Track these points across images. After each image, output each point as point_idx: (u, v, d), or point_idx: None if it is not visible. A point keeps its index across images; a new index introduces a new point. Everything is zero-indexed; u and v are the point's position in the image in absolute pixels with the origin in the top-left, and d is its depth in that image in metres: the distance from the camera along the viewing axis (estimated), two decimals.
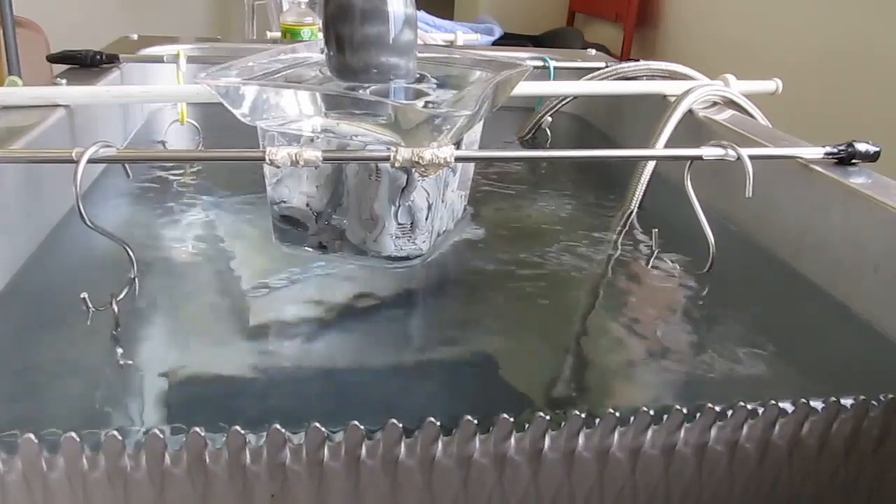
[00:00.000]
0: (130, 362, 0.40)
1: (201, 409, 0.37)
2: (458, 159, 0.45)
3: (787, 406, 0.36)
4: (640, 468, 0.36)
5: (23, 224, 0.51)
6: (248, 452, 0.32)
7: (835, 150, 0.54)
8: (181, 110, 0.77)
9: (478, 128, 0.55)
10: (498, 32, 1.89)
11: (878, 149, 0.54)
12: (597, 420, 0.34)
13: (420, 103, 0.46)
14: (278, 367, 0.41)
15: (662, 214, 0.64)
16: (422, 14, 1.56)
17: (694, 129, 0.69)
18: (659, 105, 0.71)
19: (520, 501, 0.36)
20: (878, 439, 0.38)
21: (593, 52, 1.05)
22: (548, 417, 0.34)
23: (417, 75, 0.50)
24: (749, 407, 0.36)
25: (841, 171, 0.53)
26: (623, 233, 0.61)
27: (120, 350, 0.41)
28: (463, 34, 1.23)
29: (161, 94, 0.72)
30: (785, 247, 0.56)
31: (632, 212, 0.64)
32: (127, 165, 0.48)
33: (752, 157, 0.49)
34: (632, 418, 0.35)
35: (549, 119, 0.87)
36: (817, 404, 0.37)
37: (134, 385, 0.38)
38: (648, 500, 0.37)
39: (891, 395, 0.37)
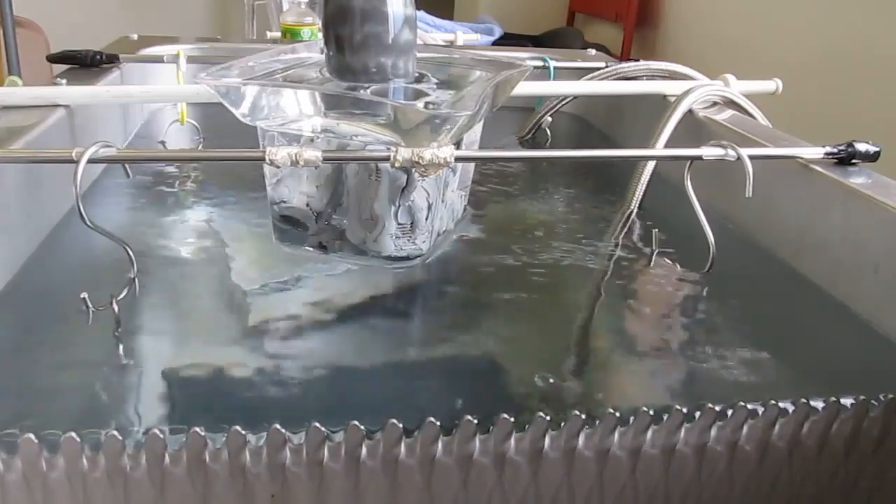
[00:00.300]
0: (130, 362, 0.40)
1: (201, 409, 0.37)
2: (458, 159, 0.45)
3: (787, 406, 0.36)
4: (640, 468, 0.36)
5: (23, 224, 0.51)
6: (248, 452, 0.32)
7: (835, 150, 0.54)
8: (181, 110, 0.77)
9: (478, 128, 0.55)
10: (498, 32, 1.89)
11: (878, 149, 0.54)
12: (597, 420, 0.34)
13: (420, 103, 0.46)
14: (278, 367, 0.41)
15: (662, 214, 0.64)
16: (422, 14, 1.56)
17: (694, 129, 0.69)
18: (659, 105, 0.71)
19: (520, 501, 0.36)
20: (878, 439, 0.38)
21: (593, 52, 1.05)
22: (548, 417, 0.34)
23: (417, 75, 0.50)
24: (749, 407, 0.36)
25: (841, 171, 0.53)
26: (623, 233, 0.61)
27: (120, 350, 0.41)
28: (463, 34, 1.23)
29: (161, 94, 0.72)
30: (785, 247, 0.56)
31: (632, 212, 0.64)
32: (127, 165, 0.48)
33: (752, 157, 0.49)
34: (632, 418, 0.35)
35: (549, 119, 0.87)
36: (817, 404, 0.37)
37: (134, 385, 0.38)
38: (648, 500, 0.37)
39: (891, 395, 0.37)
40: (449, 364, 0.43)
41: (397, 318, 0.48)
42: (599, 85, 0.80)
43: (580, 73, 0.85)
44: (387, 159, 0.44)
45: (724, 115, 0.69)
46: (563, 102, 0.87)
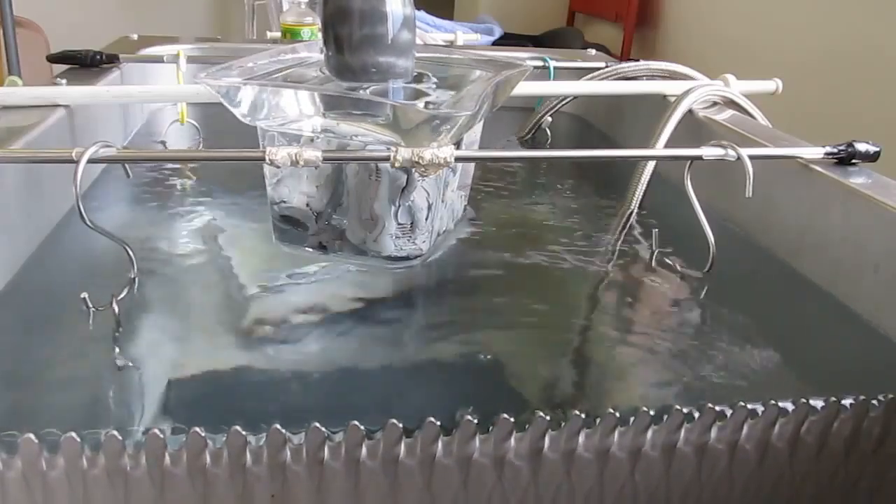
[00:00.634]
0: (130, 362, 0.40)
1: (201, 409, 0.37)
2: (458, 159, 0.45)
3: (787, 406, 0.36)
4: (640, 468, 0.36)
5: (23, 224, 0.51)
6: (248, 452, 0.32)
7: (835, 150, 0.54)
8: (181, 110, 0.77)
9: (478, 128, 0.55)
10: (498, 32, 1.89)
11: (878, 149, 0.54)
12: (597, 420, 0.34)
13: (420, 103, 0.46)
14: (278, 367, 0.41)
15: (662, 214, 0.64)
16: (422, 14, 1.56)
17: (694, 129, 0.69)
18: (659, 105, 0.71)
19: (520, 501, 0.36)
20: (878, 439, 0.38)
21: (593, 52, 1.05)
22: (548, 417, 0.34)
23: (416, 74, 0.50)
24: (749, 407, 0.36)
25: (841, 171, 0.53)
26: (623, 233, 0.61)
27: (120, 350, 0.41)
28: (463, 34, 1.23)
29: (161, 94, 0.72)
30: (785, 247, 0.56)
31: (632, 212, 0.64)
32: (127, 165, 0.48)
33: (752, 157, 0.49)
34: (632, 418, 0.35)
35: (549, 119, 0.87)
36: (817, 404, 0.37)
37: (134, 385, 0.38)
38: (648, 500, 0.37)
39: (891, 395, 0.37)
40: (449, 364, 0.43)
41: (397, 318, 0.48)
42: (599, 85, 0.80)
43: (580, 73, 0.85)
44: (387, 159, 0.44)
45: (724, 115, 0.69)
46: (563, 102, 0.87)
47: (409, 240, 0.50)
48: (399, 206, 0.48)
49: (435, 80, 0.51)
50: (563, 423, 0.34)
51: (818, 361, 0.45)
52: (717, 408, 0.36)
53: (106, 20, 2.46)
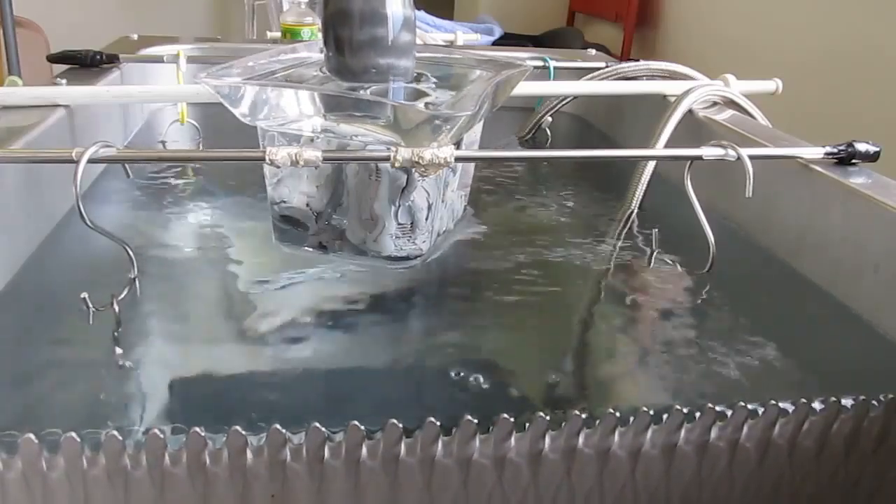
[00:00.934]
0: (130, 362, 0.40)
1: (201, 409, 0.37)
2: (458, 159, 0.45)
3: (787, 406, 0.36)
4: (641, 468, 0.36)
5: (23, 224, 0.51)
6: (248, 452, 0.32)
7: (835, 150, 0.54)
8: (181, 110, 0.77)
9: (478, 128, 0.55)
10: (498, 32, 1.89)
11: (878, 149, 0.54)
12: (597, 420, 0.34)
13: (420, 103, 0.46)
14: (278, 367, 0.41)
15: (662, 214, 0.64)
16: (422, 14, 1.56)
17: (694, 129, 0.69)
18: (659, 105, 0.71)
19: (520, 501, 0.36)
20: (878, 439, 0.38)
21: (593, 52, 1.05)
22: (548, 417, 0.34)
23: (416, 74, 0.50)
24: (749, 407, 0.36)
25: (841, 171, 0.53)
26: (623, 233, 0.61)
27: (120, 350, 0.41)
28: (463, 34, 1.23)
29: (161, 94, 0.72)
30: (785, 247, 0.56)
31: (632, 212, 0.64)
32: (127, 165, 0.48)
33: (752, 157, 0.49)
34: (632, 418, 0.35)
35: (549, 119, 0.87)
36: (817, 404, 0.37)
37: (134, 385, 0.38)
38: (648, 500, 0.37)
39: (891, 395, 0.37)
40: (449, 364, 0.43)
41: (397, 318, 0.48)
42: (599, 85, 0.80)
43: (580, 73, 0.85)
44: (387, 159, 0.44)
45: (724, 115, 0.69)
46: (563, 102, 0.87)
47: (409, 240, 0.50)
48: (399, 206, 0.48)
49: (435, 80, 0.51)
50: (563, 423, 0.34)
51: (818, 361, 0.45)
52: (717, 408, 0.36)
53: (106, 20, 2.46)
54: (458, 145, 0.49)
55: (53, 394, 0.37)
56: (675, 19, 1.96)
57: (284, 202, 0.51)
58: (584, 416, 0.34)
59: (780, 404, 0.36)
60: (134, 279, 0.46)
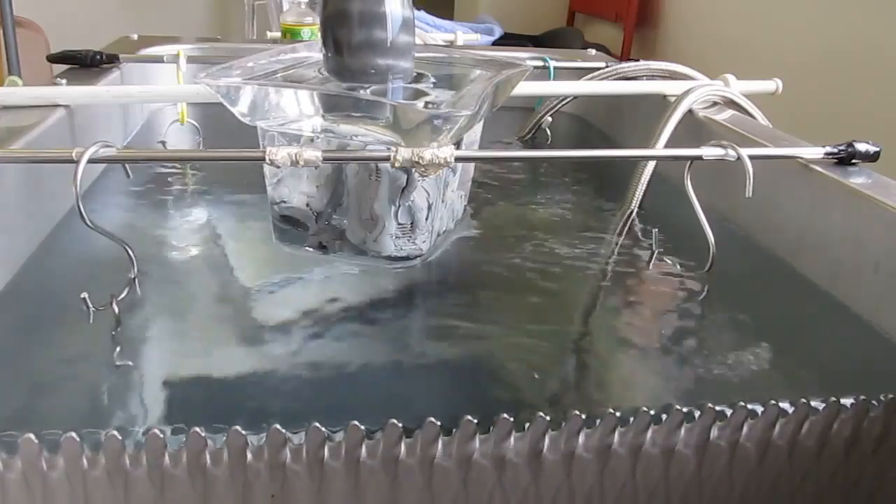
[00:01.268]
0: (130, 362, 0.40)
1: (201, 409, 0.37)
2: (458, 159, 0.45)
3: (787, 406, 0.36)
4: (641, 468, 0.36)
5: (23, 224, 0.51)
6: (248, 452, 0.32)
7: (835, 150, 0.54)
8: (181, 110, 0.77)
9: (478, 128, 0.55)
10: (498, 32, 1.89)
11: (878, 149, 0.54)
12: (597, 420, 0.34)
13: (420, 103, 0.46)
14: (278, 367, 0.41)
15: (662, 214, 0.64)
16: (422, 14, 1.56)
17: (694, 129, 0.69)
18: (659, 105, 0.71)
19: (520, 501, 0.36)
20: (878, 439, 0.38)
21: (593, 52, 1.05)
22: (548, 417, 0.34)
23: (416, 74, 0.50)
24: (749, 407, 0.36)
25: (841, 171, 0.53)
26: (623, 233, 0.61)
27: (120, 350, 0.41)
28: (463, 34, 1.23)
29: (161, 94, 0.72)
30: (785, 247, 0.56)
31: (632, 212, 0.64)
32: (127, 165, 0.48)
33: (752, 157, 0.49)
34: (632, 418, 0.35)
35: (549, 119, 0.87)
36: (817, 404, 0.37)
37: (134, 385, 0.38)
38: (648, 499, 0.37)
39: (891, 395, 0.37)
40: (449, 364, 0.43)
41: (397, 318, 0.48)
42: (599, 85, 0.80)
43: (580, 73, 0.85)
44: (387, 159, 0.44)
45: (724, 115, 0.69)
46: (563, 102, 0.87)
47: (409, 240, 0.50)
48: (399, 206, 0.48)
49: (435, 80, 0.51)
50: (563, 423, 0.34)
51: (818, 361, 0.45)
52: (717, 408, 0.36)
53: (106, 20, 2.46)
54: (458, 145, 0.49)
55: (53, 394, 0.37)
56: (675, 19, 1.96)
57: (284, 202, 0.51)
58: (584, 416, 0.34)
59: (780, 404, 0.36)
60: (134, 279, 0.46)
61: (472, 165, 0.59)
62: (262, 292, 0.48)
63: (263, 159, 0.43)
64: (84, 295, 0.42)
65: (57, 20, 1.92)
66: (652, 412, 0.35)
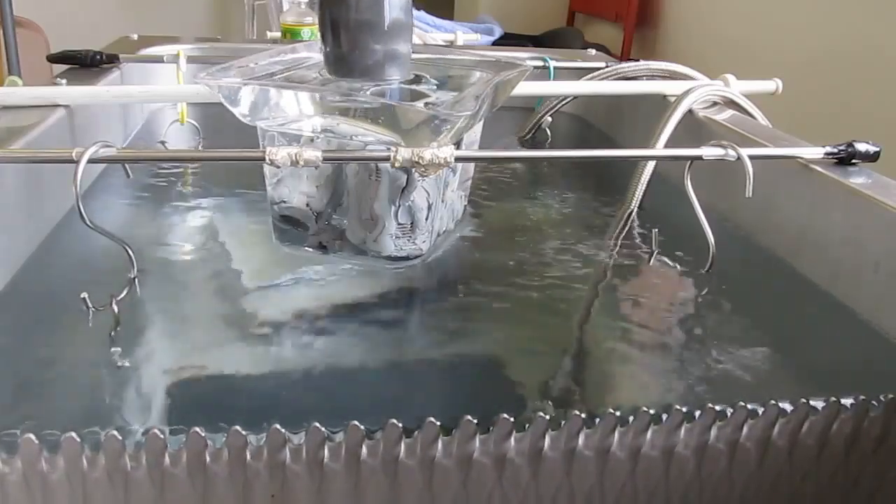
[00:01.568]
0: (130, 362, 0.40)
1: (201, 409, 0.37)
2: (458, 159, 0.45)
3: (787, 406, 0.36)
4: (641, 468, 0.36)
5: (23, 224, 0.51)
6: (248, 452, 0.32)
7: (835, 150, 0.54)
8: (181, 110, 0.77)
9: (478, 128, 0.55)
10: (498, 32, 1.89)
11: (878, 149, 0.54)
12: (597, 420, 0.34)
13: (420, 103, 0.46)
14: (278, 367, 0.41)
15: (662, 214, 0.64)
16: (422, 14, 1.56)
17: (694, 129, 0.69)
18: (659, 105, 0.71)
19: (520, 501, 0.36)
20: (878, 439, 0.38)
21: (593, 52, 1.05)
22: (548, 417, 0.34)
23: (413, 76, 0.50)
24: (749, 407, 0.36)
25: (841, 171, 0.53)
26: (623, 233, 0.61)
27: (120, 350, 0.41)
28: (463, 34, 1.23)
29: (161, 94, 0.72)
30: (785, 247, 0.56)
31: (632, 212, 0.64)
32: (127, 165, 0.48)
33: (752, 157, 0.49)
34: (632, 418, 0.35)
35: (549, 119, 0.87)
36: (817, 404, 0.37)
37: (134, 385, 0.38)
38: (648, 499, 0.37)
39: (891, 395, 0.37)
40: (449, 364, 0.43)
41: (397, 318, 0.48)
42: (599, 85, 0.80)
43: (580, 73, 0.85)
44: (387, 159, 0.44)
45: (724, 115, 0.69)
46: (563, 102, 0.87)
47: (409, 240, 0.50)
48: (399, 206, 0.48)
49: (435, 80, 0.51)
50: (563, 423, 0.34)
51: (818, 361, 0.45)
52: (717, 408, 0.36)
53: (106, 20, 2.46)
54: (458, 145, 0.49)
55: (53, 394, 0.37)
56: (675, 19, 1.96)
57: (284, 202, 0.51)
58: (583, 416, 0.34)
59: (780, 404, 0.36)
60: (133, 279, 0.46)
61: (472, 165, 0.59)
62: (262, 292, 0.48)
63: (263, 159, 0.43)
64: (84, 295, 0.42)
65: (57, 20, 1.92)
66: (652, 412, 0.35)
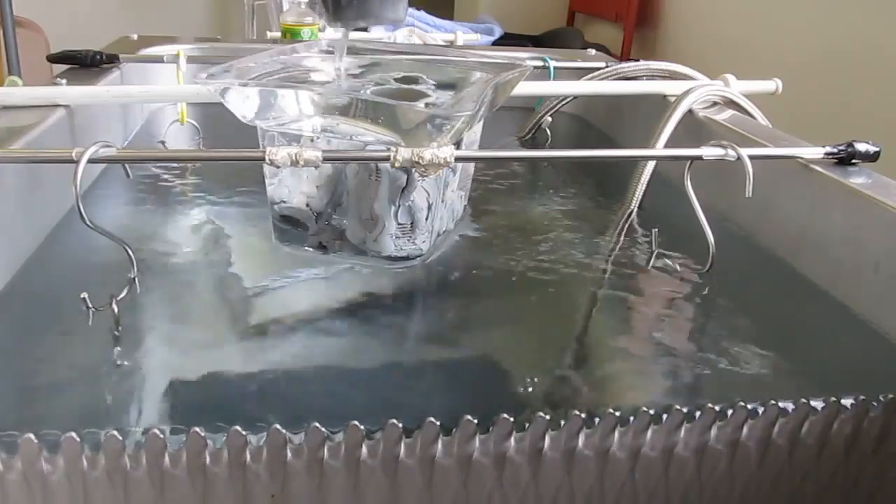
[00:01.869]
0: (130, 362, 0.40)
1: (201, 409, 0.37)
2: (458, 159, 0.45)
3: (787, 406, 0.36)
4: (640, 468, 0.36)
5: (23, 224, 0.51)
6: (248, 452, 0.32)
7: (835, 150, 0.54)
8: (181, 110, 0.77)
9: (478, 128, 0.55)
10: (498, 32, 1.89)
11: (878, 149, 0.54)
12: (597, 420, 0.34)
13: (420, 103, 0.46)
14: (278, 367, 0.41)
15: (662, 214, 0.64)
16: (422, 14, 1.56)
17: (694, 129, 0.69)
18: (659, 105, 0.71)
19: (520, 501, 0.36)
20: (878, 439, 0.38)
21: (593, 52, 1.05)
22: (548, 417, 0.34)
23: (416, 75, 0.50)
24: (749, 407, 0.36)
25: (841, 171, 0.53)
26: (623, 232, 0.61)
27: (120, 350, 0.41)
28: (463, 34, 1.23)
29: (161, 94, 0.72)
30: (785, 247, 0.56)
31: (632, 212, 0.64)
32: (127, 165, 0.48)
33: (752, 157, 0.49)
34: (632, 418, 0.35)
35: (549, 119, 0.87)
36: (817, 404, 0.37)
37: (134, 385, 0.38)
38: (648, 499, 0.37)
39: (891, 395, 0.37)
40: (449, 364, 0.43)
41: (397, 318, 0.48)
42: (599, 85, 0.80)
43: (580, 73, 0.85)
44: (387, 159, 0.44)
45: (724, 115, 0.69)
46: (563, 102, 0.87)
47: (409, 240, 0.50)
48: (399, 206, 0.48)
49: (435, 80, 0.51)
50: (563, 423, 0.34)
51: (818, 361, 0.45)
52: (717, 408, 0.36)
53: (106, 20, 2.46)
54: (458, 145, 0.49)
55: (53, 394, 0.37)
56: (675, 19, 1.96)
57: (284, 202, 0.51)
58: (583, 416, 0.34)
59: (780, 404, 0.36)
60: (133, 279, 0.46)
61: (472, 165, 0.59)
62: (262, 292, 0.48)
63: (263, 159, 0.43)
64: (84, 295, 0.42)
65: (57, 20, 1.92)
66: (652, 412, 0.35)
